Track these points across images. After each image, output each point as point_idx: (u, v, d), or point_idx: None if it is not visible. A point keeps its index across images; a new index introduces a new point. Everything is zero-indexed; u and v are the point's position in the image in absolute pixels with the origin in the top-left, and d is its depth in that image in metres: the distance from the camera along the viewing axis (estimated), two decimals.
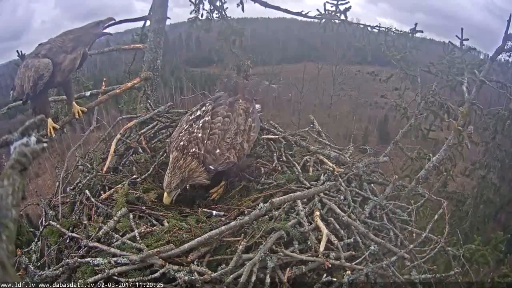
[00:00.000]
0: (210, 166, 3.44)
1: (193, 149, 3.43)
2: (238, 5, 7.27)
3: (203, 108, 3.73)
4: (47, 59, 3.63)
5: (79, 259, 2.69)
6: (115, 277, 2.56)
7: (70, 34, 3.81)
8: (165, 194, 3.40)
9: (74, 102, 4.28)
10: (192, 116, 3.71)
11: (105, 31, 4.00)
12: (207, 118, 3.60)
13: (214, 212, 3.32)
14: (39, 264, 3.12)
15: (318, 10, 7.16)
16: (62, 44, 3.74)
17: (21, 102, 4.03)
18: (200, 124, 3.56)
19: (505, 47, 5.67)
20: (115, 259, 2.64)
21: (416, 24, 7.16)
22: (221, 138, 3.49)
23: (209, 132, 3.50)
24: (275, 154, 4.12)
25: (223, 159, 3.45)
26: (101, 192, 3.59)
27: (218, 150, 3.45)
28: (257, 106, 4.17)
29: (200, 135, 3.50)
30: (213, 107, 3.70)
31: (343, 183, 3.61)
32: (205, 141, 3.46)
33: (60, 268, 2.73)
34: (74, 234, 3.00)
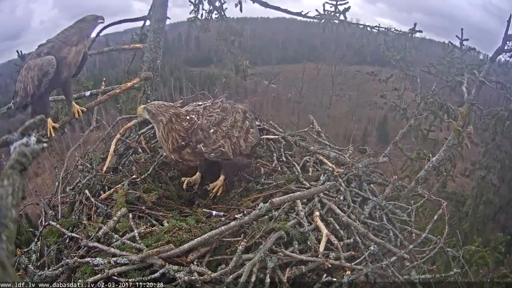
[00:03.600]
0: (202, 147, 3.41)
1: (193, 116, 3.49)
2: (236, 5, 7.26)
3: (204, 102, 3.78)
4: (50, 56, 3.61)
5: (78, 259, 2.69)
6: (115, 277, 2.56)
7: (72, 28, 3.80)
8: (143, 106, 3.48)
9: (73, 102, 4.27)
10: (194, 103, 3.76)
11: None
12: (208, 104, 3.65)
13: (214, 212, 3.32)
14: (38, 264, 3.12)
15: (317, 10, 7.15)
16: (66, 39, 3.72)
17: (23, 108, 3.97)
18: (202, 107, 3.61)
19: (505, 48, 5.66)
20: (114, 259, 2.64)
21: (415, 24, 7.16)
22: (217, 121, 3.50)
23: (207, 114, 3.52)
24: (274, 154, 4.12)
25: (216, 146, 3.44)
26: (101, 192, 3.59)
27: (212, 130, 3.45)
28: (257, 122, 4.23)
29: (202, 111, 3.55)
30: (214, 99, 3.80)
31: (342, 183, 3.61)
32: (203, 118, 3.48)
33: (60, 268, 2.73)
34: (73, 234, 3.01)
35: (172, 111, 3.36)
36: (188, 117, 3.45)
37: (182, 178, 3.87)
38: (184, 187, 3.80)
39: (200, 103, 3.72)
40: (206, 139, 3.42)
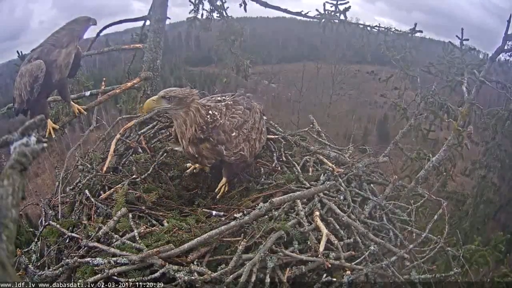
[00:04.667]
0: (224, 150, 3.32)
1: (215, 113, 3.32)
2: (240, 5, 7.26)
3: (223, 97, 3.67)
4: (38, 60, 3.63)
5: (79, 259, 2.69)
6: (115, 277, 2.56)
7: (62, 30, 3.81)
8: (154, 97, 3.15)
9: (72, 102, 4.27)
10: (213, 99, 3.62)
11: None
12: (229, 102, 3.54)
13: (214, 212, 3.32)
14: (39, 264, 3.12)
15: (317, 10, 7.15)
16: (56, 41, 3.73)
17: (23, 113, 3.98)
18: (224, 103, 3.50)
19: (505, 47, 5.66)
20: (115, 259, 2.64)
21: (415, 24, 7.16)
22: (239, 124, 3.42)
23: (230, 115, 3.42)
24: (275, 154, 4.12)
25: (238, 149, 3.38)
26: (101, 192, 3.59)
27: (234, 133, 3.36)
28: (264, 117, 4.20)
29: (224, 110, 3.42)
30: (233, 96, 3.70)
31: (342, 183, 3.61)
32: (226, 118, 3.36)
33: (60, 268, 2.73)
34: (73, 234, 3.01)
35: (195, 98, 3.20)
36: (210, 112, 3.31)
37: (187, 164, 3.81)
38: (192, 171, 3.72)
39: (219, 98, 3.63)
40: (228, 142, 3.33)
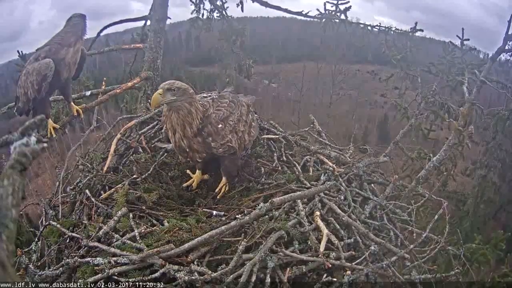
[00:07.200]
0: (211, 142, 3.35)
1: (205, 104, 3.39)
2: (238, 5, 7.26)
3: (208, 94, 3.71)
4: (47, 59, 3.61)
5: (79, 259, 2.70)
6: (115, 277, 2.56)
7: (66, 29, 3.80)
8: (159, 91, 3.12)
9: (72, 103, 4.27)
10: (199, 95, 3.66)
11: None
12: (215, 97, 3.59)
13: (214, 212, 3.32)
14: (39, 264, 3.12)
15: (318, 10, 7.15)
16: (62, 40, 3.72)
17: (26, 113, 3.96)
18: (209, 98, 3.54)
19: (506, 47, 5.66)
20: (115, 259, 2.64)
21: (416, 23, 7.15)
22: (225, 116, 3.45)
23: (215, 107, 3.46)
24: (275, 154, 4.12)
25: (224, 141, 3.39)
26: (101, 192, 3.59)
27: (220, 125, 3.39)
28: (256, 115, 4.22)
29: (211, 102, 3.47)
30: (219, 92, 3.75)
31: (343, 183, 3.61)
32: (211, 111, 3.40)
33: (60, 268, 2.74)
34: (74, 234, 3.01)
35: (192, 91, 3.26)
36: (201, 103, 3.37)
37: (184, 185, 3.83)
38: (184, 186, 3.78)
39: (205, 95, 3.66)
40: (215, 134, 3.37)
